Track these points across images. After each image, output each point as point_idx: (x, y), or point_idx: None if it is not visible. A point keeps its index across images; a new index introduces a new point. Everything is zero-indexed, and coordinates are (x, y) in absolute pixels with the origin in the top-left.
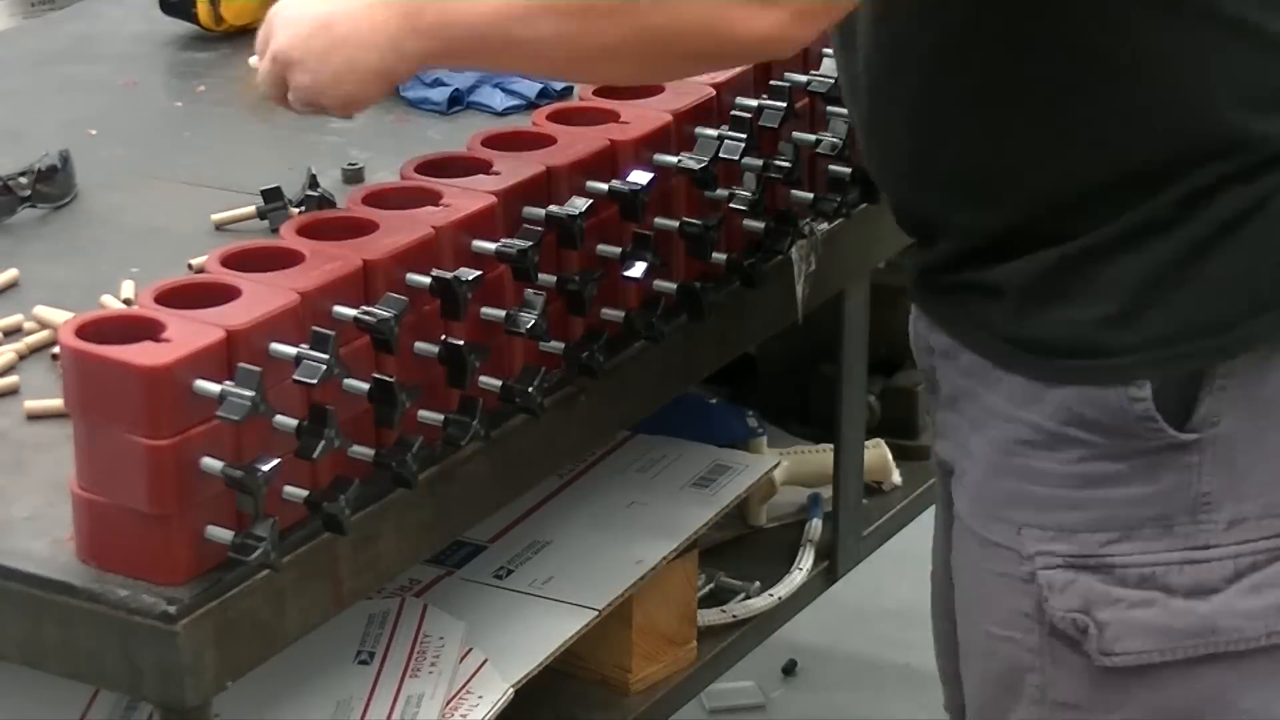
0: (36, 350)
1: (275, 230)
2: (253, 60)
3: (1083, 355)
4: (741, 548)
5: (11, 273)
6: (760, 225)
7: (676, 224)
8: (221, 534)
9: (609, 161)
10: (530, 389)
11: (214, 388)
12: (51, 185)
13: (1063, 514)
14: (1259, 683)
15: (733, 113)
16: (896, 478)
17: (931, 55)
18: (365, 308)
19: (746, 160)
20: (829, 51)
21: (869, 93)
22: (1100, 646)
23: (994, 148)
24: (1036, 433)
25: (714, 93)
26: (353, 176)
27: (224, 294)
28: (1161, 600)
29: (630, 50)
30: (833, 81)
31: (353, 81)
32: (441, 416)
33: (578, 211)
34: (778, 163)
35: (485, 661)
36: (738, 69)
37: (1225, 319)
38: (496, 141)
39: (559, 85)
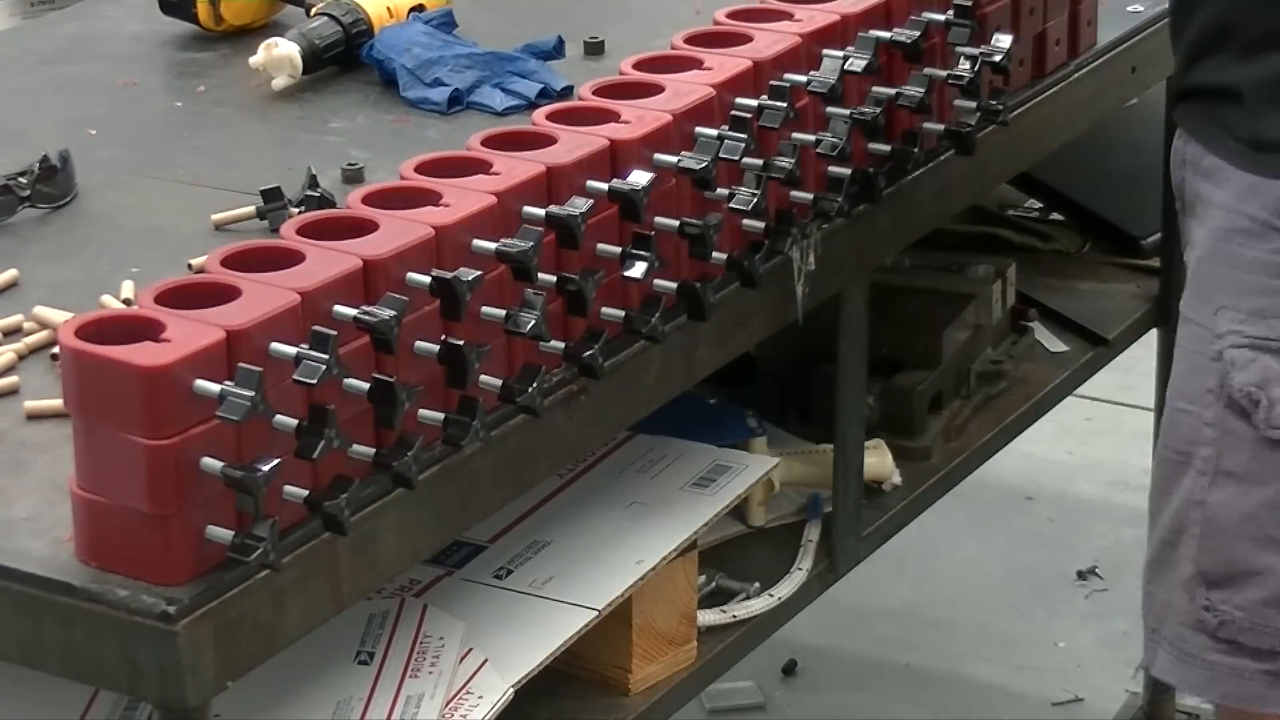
0: (36, 350)
1: (275, 230)
2: (253, 60)
3: None
4: (741, 548)
5: (11, 273)
6: (760, 225)
7: (676, 224)
8: (221, 534)
9: (609, 161)
10: (530, 389)
11: (214, 388)
12: (51, 185)
13: (1258, 299)
14: None
15: (733, 113)
16: (896, 478)
17: None
18: (365, 308)
19: (746, 160)
20: (829, 52)
21: None
22: (1270, 419)
23: None
24: (1252, 222)
25: (714, 93)
26: (353, 176)
27: (224, 294)
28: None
29: None
30: (833, 81)
31: None
32: (441, 416)
33: (578, 211)
34: (778, 163)
35: (485, 661)
36: (737, 71)
37: None
38: (496, 141)
39: (559, 85)
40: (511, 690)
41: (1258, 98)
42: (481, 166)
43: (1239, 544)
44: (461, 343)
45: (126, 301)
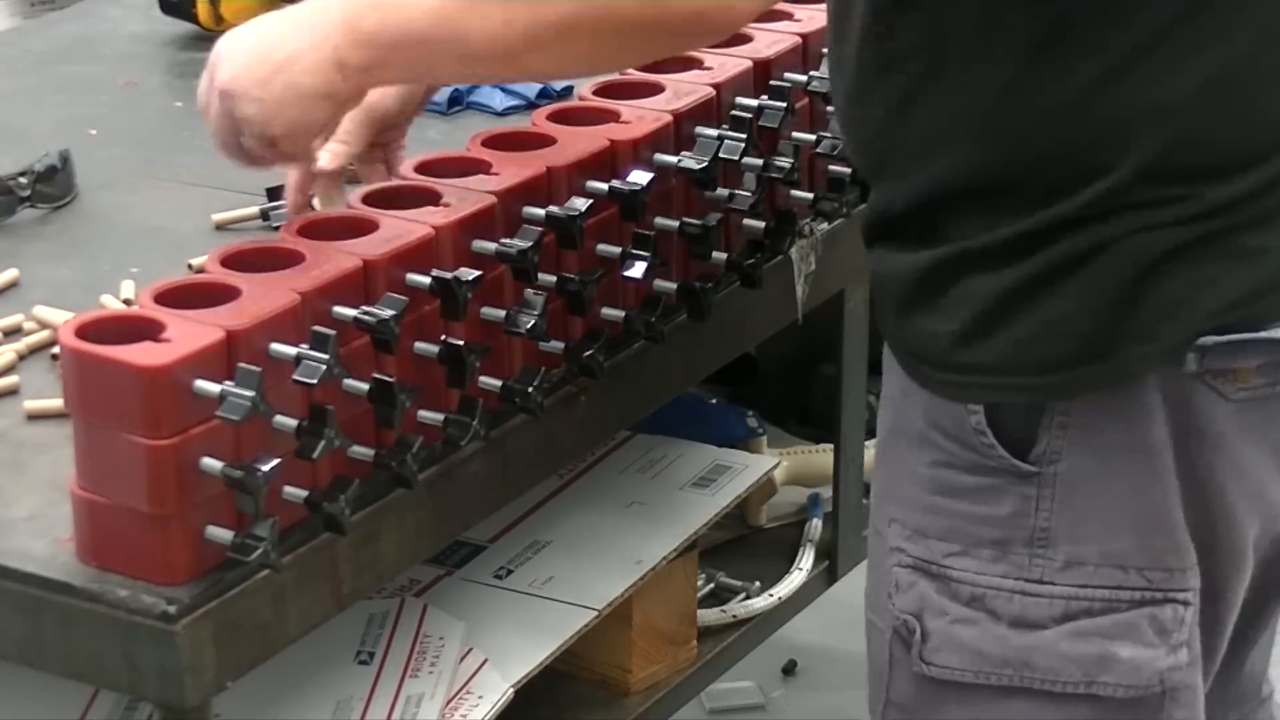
0: (36, 350)
1: (277, 228)
2: None
3: (938, 367)
4: (741, 548)
5: (11, 273)
6: (760, 225)
7: (676, 224)
8: (221, 534)
9: (609, 161)
10: (530, 389)
11: (214, 388)
12: (51, 185)
13: (919, 515)
14: None
15: (733, 113)
16: None
17: (866, 16)
18: (365, 308)
19: (746, 160)
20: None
21: (829, 51)
22: (922, 654)
23: (901, 119)
24: (910, 427)
25: (714, 93)
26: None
27: (224, 294)
28: (985, 623)
29: (581, 23)
30: None
31: (297, 106)
32: (441, 416)
33: (578, 211)
34: (778, 163)
35: (485, 661)
36: (737, 71)
37: (1062, 359)
38: (496, 141)
39: (559, 85)
40: (511, 690)
41: (903, 296)
42: (481, 166)
43: None
44: (461, 343)
45: (126, 301)
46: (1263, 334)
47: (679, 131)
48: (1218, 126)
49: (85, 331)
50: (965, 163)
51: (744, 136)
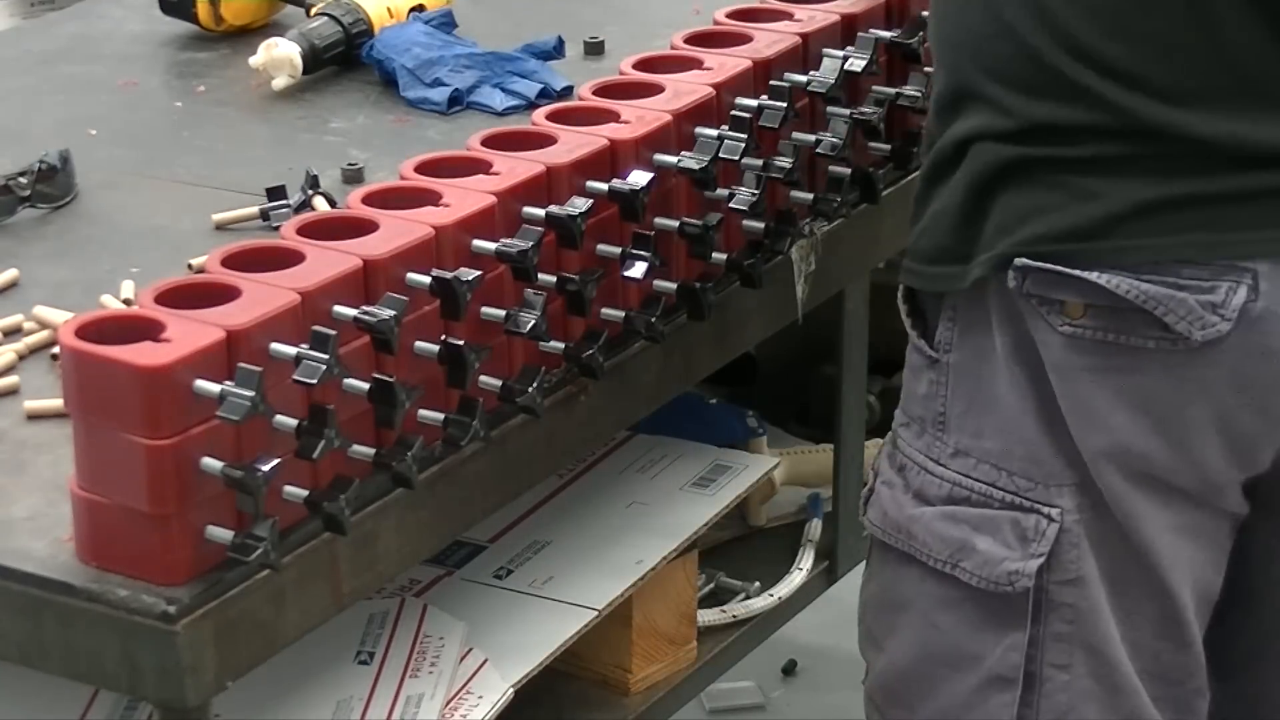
0: (36, 350)
1: (277, 229)
2: (253, 60)
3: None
4: (741, 548)
5: (11, 273)
6: (760, 225)
7: (676, 224)
8: (221, 534)
9: (609, 161)
10: (530, 389)
11: (214, 388)
12: (51, 185)
13: (903, 385)
14: (948, 605)
15: (733, 113)
16: None
17: None
18: (365, 308)
19: (746, 160)
20: (829, 51)
21: None
22: (865, 508)
23: (942, 13)
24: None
25: (714, 93)
26: (353, 176)
27: (224, 294)
28: (898, 489)
29: None
30: (833, 81)
31: None
32: (441, 416)
33: (578, 211)
34: (778, 163)
35: (485, 661)
36: (737, 71)
37: (935, 252)
38: (496, 141)
39: (559, 85)
40: (511, 690)
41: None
42: (481, 166)
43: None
44: (461, 343)
45: (126, 301)
46: (1078, 272)
47: (679, 131)
48: (1044, 51)
49: (85, 331)
50: (971, 55)
51: (744, 136)
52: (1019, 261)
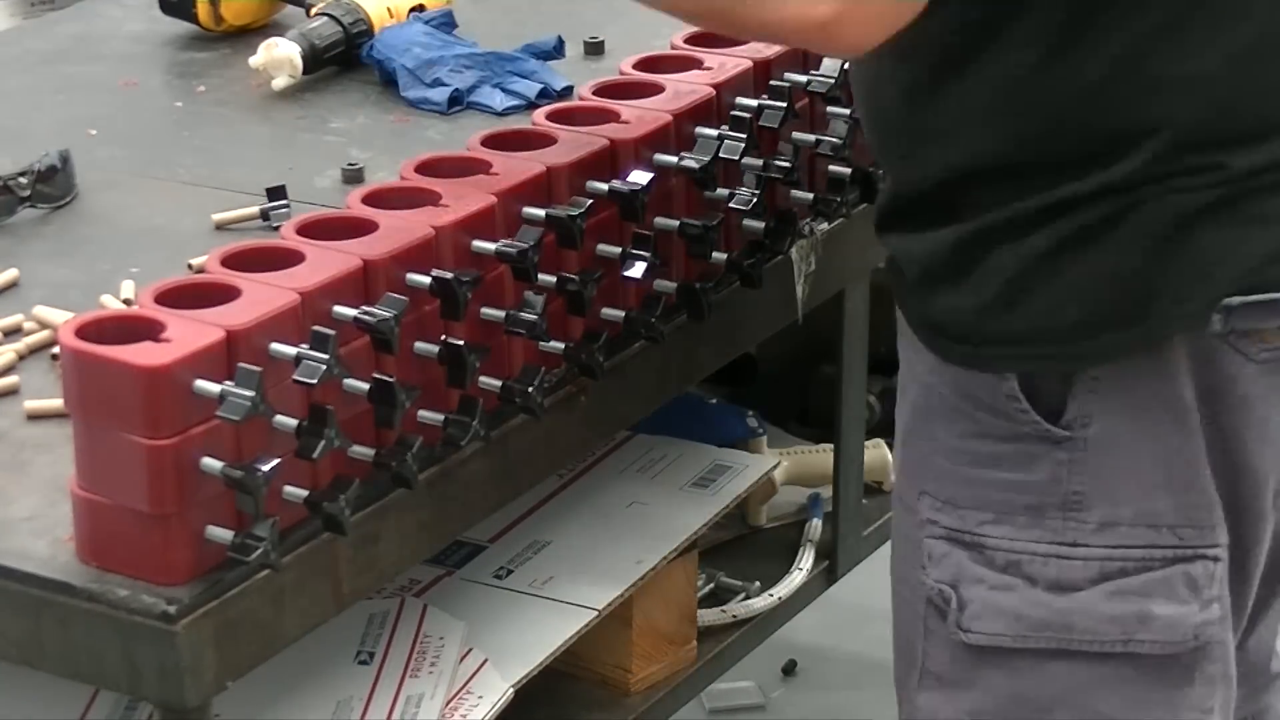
0: (36, 350)
1: (277, 228)
2: (253, 60)
3: (965, 340)
4: (741, 548)
5: (11, 273)
6: (760, 225)
7: (676, 224)
8: (221, 534)
9: (609, 161)
10: (530, 389)
11: (214, 388)
12: (51, 185)
13: (952, 486)
14: (1111, 686)
15: (733, 113)
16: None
17: None
18: (365, 308)
19: (746, 160)
20: None
21: None
22: (960, 621)
23: (921, 104)
24: (942, 402)
25: (714, 93)
26: (353, 176)
27: (224, 294)
28: (1023, 588)
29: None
30: (833, 81)
31: None
32: (441, 416)
33: (578, 211)
34: (778, 163)
35: (485, 661)
36: (737, 71)
37: (1089, 324)
38: (496, 141)
39: (559, 85)
40: (511, 690)
41: (924, 275)
42: (481, 166)
43: None
44: (461, 343)
45: (126, 301)
46: None
47: (679, 131)
48: (1241, 98)
49: (85, 331)
50: (990, 143)
51: (744, 136)
52: (1228, 301)
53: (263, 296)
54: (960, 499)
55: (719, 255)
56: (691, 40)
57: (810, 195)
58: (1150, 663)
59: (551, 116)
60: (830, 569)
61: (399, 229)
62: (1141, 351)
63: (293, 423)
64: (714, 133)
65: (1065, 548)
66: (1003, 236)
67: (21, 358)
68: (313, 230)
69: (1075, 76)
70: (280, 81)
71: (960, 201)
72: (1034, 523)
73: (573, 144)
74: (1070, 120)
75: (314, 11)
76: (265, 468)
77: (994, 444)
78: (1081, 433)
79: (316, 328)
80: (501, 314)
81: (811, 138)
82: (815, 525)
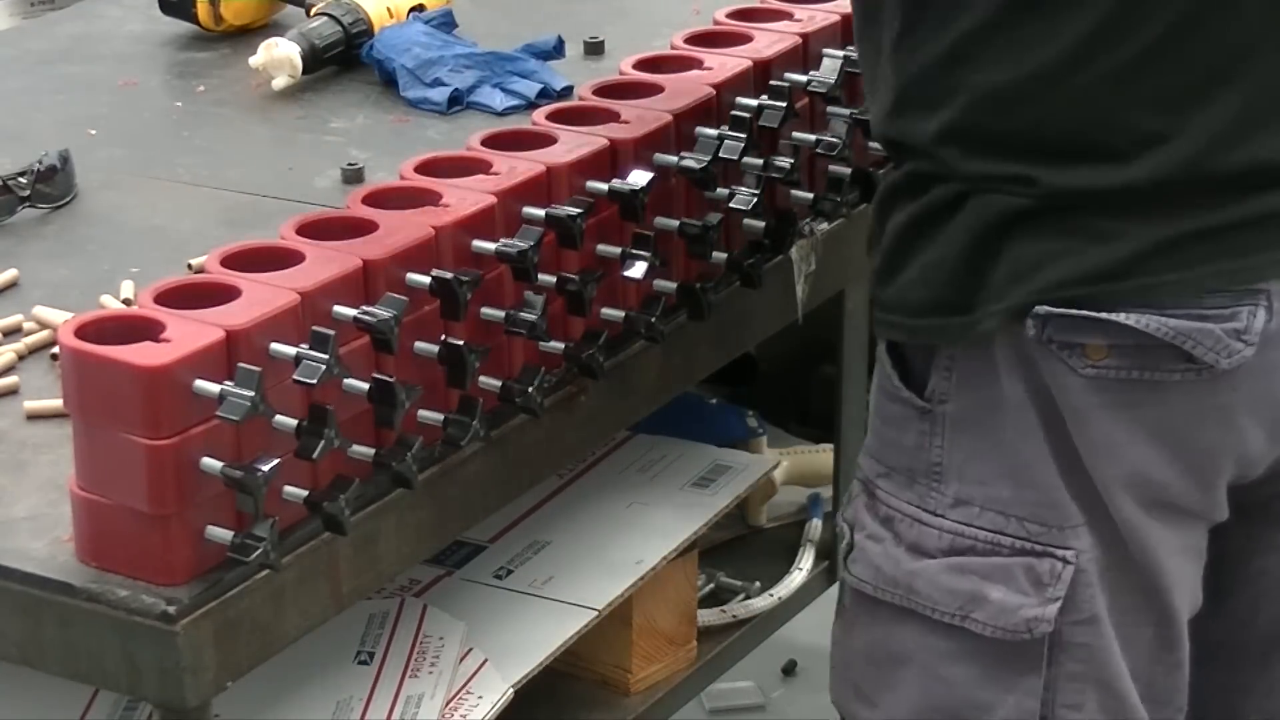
0: (36, 350)
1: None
2: (253, 60)
3: (872, 301)
4: (741, 548)
5: (11, 273)
6: (760, 225)
7: (676, 224)
8: (221, 534)
9: (609, 161)
10: (530, 389)
11: (214, 388)
12: (51, 185)
13: (870, 436)
14: (955, 657)
15: (733, 113)
16: None
17: None
18: (365, 308)
19: (746, 160)
20: (829, 51)
21: None
22: (846, 562)
23: (872, 55)
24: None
25: (714, 93)
26: (353, 176)
27: (224, 294)
28: (889, 543)
29: None
30: (833, 81)
31: None
32: (441, 416)
33: (578, 211)
34: (778, 163)
35: (485, 661)
36: (737, 71)
37: (929, 305)
38: (496, 141)
39: (559, 85)
40: (511, 690)
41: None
42: (481, 166)
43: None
44: (461, 343)
45: (126, 301)
46: (1104, 315)
47: (679, 131)
48: (1047, 118)
49: (85, 331)
50: (876, 109)
51: (744, 136)
52: (1040, 309)
53: (262, 296)
54: (871, 448)
55: (719, 255)
56: (691, 40)
57: (810, 195)
58: (986, 642)
59: (551, 116)
60: (830, 569)
61: (399, 229)
62: (978, 342)
63: (293, 423)
64: (714, 133)
65: (926, 514)
66: (889, 206)
67: (21, 358)
68: (313, 230)
69: (909, 63)
70: (280, 81)
71: (893, 153)
72: (907, 485)
73: (573, 144)
74: (912, 103)
75: (314, 11)
76: (265, 468)
77: (888, 403)
78: (940, 408)
79: (316, 328)
80: (501, 314)
81: (811, 138)
82: (815, 525)
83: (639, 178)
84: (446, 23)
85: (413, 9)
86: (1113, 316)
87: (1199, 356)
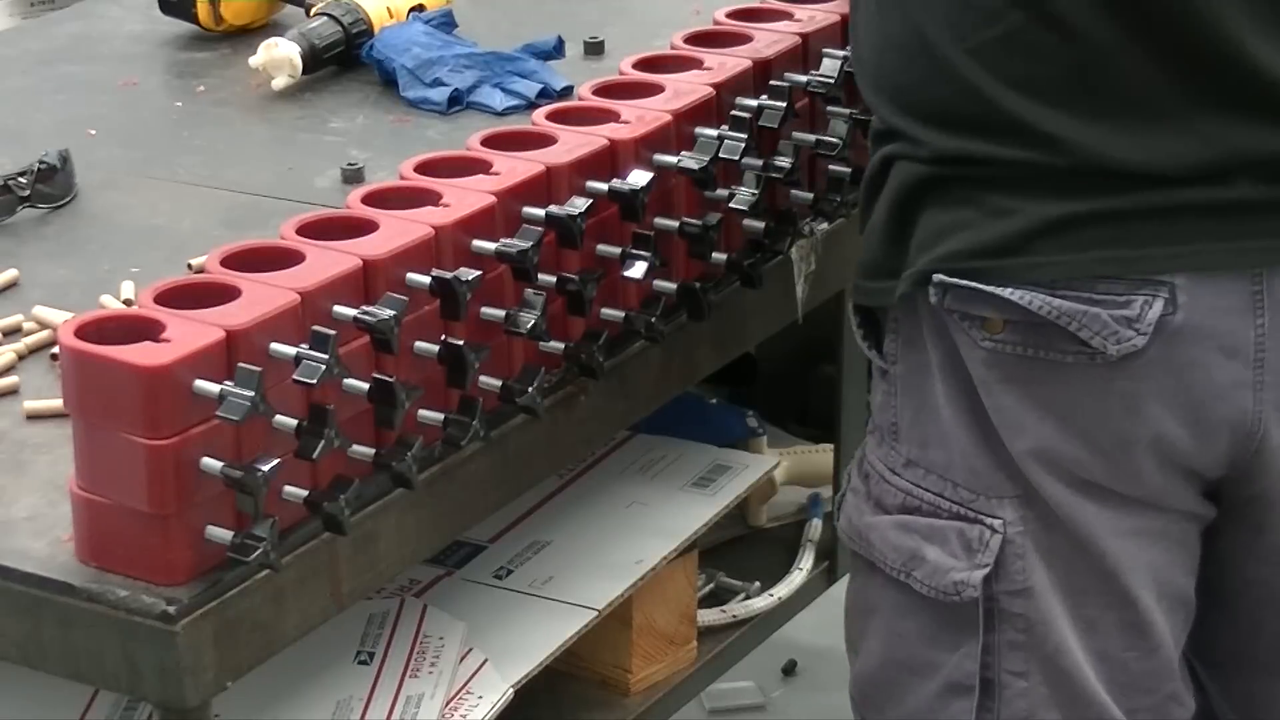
0: (36, 350)
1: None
2: (253, 60)
3: None
4: (741, 548)
5: (11, 273)
6: (760, 225)
7: (676, 224)
8: (221, 534)
9: (609, 161)
10: (530, 389)
11: (214, 388)
12: (51, 185)
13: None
14: (907, 611)
15: (733, 113)
16: None
17: None
18: (365, 308)
19: (746, 160)
20: (829, 51)
21: None
22: (837, 515)
23: (860, 33)
24: None
25: (714, 93)
26: (353, 176)
27: (224, 294)
28: (861, 495)
29: None
30: (832, 81)
31: None
32: (441, 416)
33: (578, 211)
34: (778, 163)
35: (485, 661)
36: (737, 71)
37: (867, 267)
38: (496, 141)
39: (559, 85)
40: (511, 690)
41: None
42: (481, 166)
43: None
44: (461, 343)
45: (127, 301)
46: (992, 289)
47: (679, 131)
48: (916, 82)
49: (85, 331)
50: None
51: (744, 136)
52: (937, 278)
53: (262, 296)
54: (872, 403)
55: (719, 255)
56: (691, 40)
57: (810, 195)
58: (927, 600)
59: (551, 116)
60: (830, 569)
61: (399, 229)
62: (905, 308)
63: (293, 423)
64: (714, 133)
65: (888, 472)
66: (881, 169)
67: (21, 358)
68: (313, 230)
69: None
70: (280, 81)
71: (882, 126)
72: (880, 442)
73: (573, 144)
74: (863, 63)
75: (314, 11)
76: (265, 468)
77: (875, 361)
78: (894, 369)
79: (316, 328)
80: (501, 314)
81: (811, 138)
82: (815, 525)
83: (639, 178)
84: (446, 23)
85: (413, 9)
86: (999, 291)
87: (1086, 339)
